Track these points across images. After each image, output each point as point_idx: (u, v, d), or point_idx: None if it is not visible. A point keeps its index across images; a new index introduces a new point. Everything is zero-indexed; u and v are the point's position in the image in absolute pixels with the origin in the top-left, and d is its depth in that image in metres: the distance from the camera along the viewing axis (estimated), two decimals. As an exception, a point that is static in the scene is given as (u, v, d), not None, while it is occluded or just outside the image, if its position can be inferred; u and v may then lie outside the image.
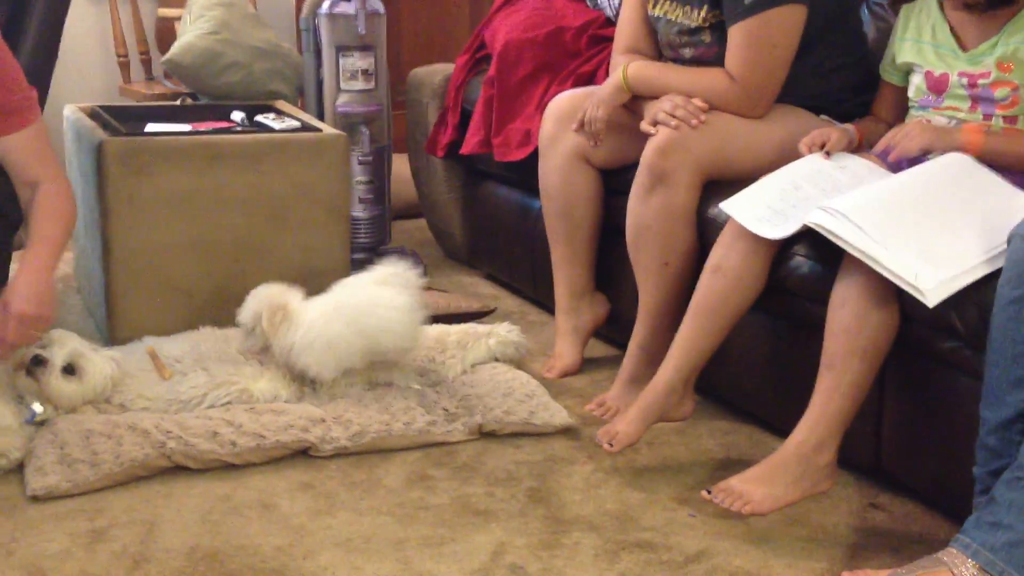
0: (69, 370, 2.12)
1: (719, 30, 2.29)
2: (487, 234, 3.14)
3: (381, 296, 2.28)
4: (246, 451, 2.04)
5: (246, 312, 2.34)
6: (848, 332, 1.82)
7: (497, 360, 2.47)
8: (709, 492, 1.89)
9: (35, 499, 1.89)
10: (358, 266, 3.00)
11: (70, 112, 2.85)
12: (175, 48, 3.10)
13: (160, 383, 2.24)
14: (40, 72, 2.33)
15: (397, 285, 2.31)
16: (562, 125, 2.50)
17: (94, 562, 1.73)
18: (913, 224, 1.82)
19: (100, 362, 2.17)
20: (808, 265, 2.01)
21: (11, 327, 2.01)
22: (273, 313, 2.29)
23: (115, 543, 1.79)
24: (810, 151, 2.14)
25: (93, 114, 2.79)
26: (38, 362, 2.09)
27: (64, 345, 2.14)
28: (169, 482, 1.98)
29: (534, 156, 2.63)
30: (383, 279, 2.33)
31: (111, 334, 2.53)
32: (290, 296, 2.34)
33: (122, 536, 1.81)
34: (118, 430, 2.02)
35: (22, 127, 2.14)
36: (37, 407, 2.09)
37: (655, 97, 2.31)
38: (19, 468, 1.99)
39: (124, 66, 3.59)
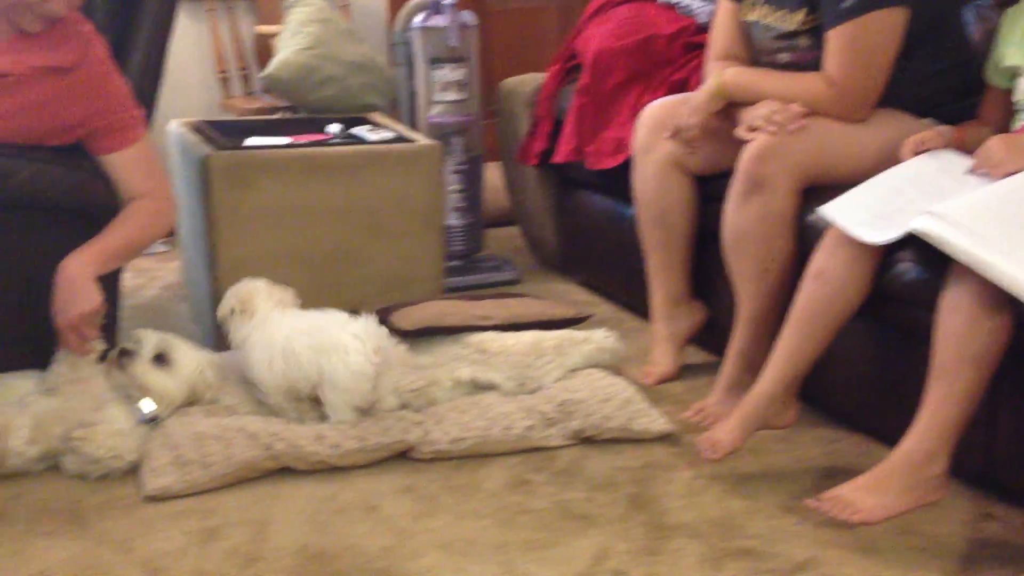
0: (160, 360, 2.18)
1: (816, 34, 2.27)
2: (580, 241, 3.15)
3: (347, 346, 2.18)
4: (349, 453, 2.08)
5: (222, 306, 2.37)
6: (959, 339, 1.79)
7: (594, 366, 2.48)
8: (816, 501, 1.87)
9: (151, 499, 1.96)
10: (453, 273, 3.05)
11: (175, 128, 2.95)
12: (273, 64, 3.18)
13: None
14: (147, 90, 2.40)
15: (366, 343, 2.20)
16: (655, 133, 2.50)
17: (208, 560, 1.78)
18: (1021, 231, 1.78)
19: (190, 351, 2.23)
20: (914, 270, 1.98)
21: (72, 336, 2.08)
22: (239, 302, 2.32)
23: (227, 541, 1.84)
24: (912, 156, 2.10)
25: (197, 129, 2.87)
26: (125, 354, 2.15)
27: (151, 337, 2.20)
28: (277, 483, 2.03)
29: (627, 164, 2.64)
30: (357, 332, 2.22)
31: (218, 341, 2.60)
32: (262, 293, 2.35)
33: (234, 535, 1.86)
34: (228, 432, 2.08)
35: (129, 144, 2.22)
36: (145, 405, 2.14)
37: (751, 103, 2.30)
38: (134, 469, 2.06)
39: (224, 82, 3.69)
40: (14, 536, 1.85)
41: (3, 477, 2.02)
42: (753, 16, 2.38)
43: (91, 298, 2.09)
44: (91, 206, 2.20)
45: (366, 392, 2.15)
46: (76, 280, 2.09)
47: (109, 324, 2.41)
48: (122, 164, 2.21)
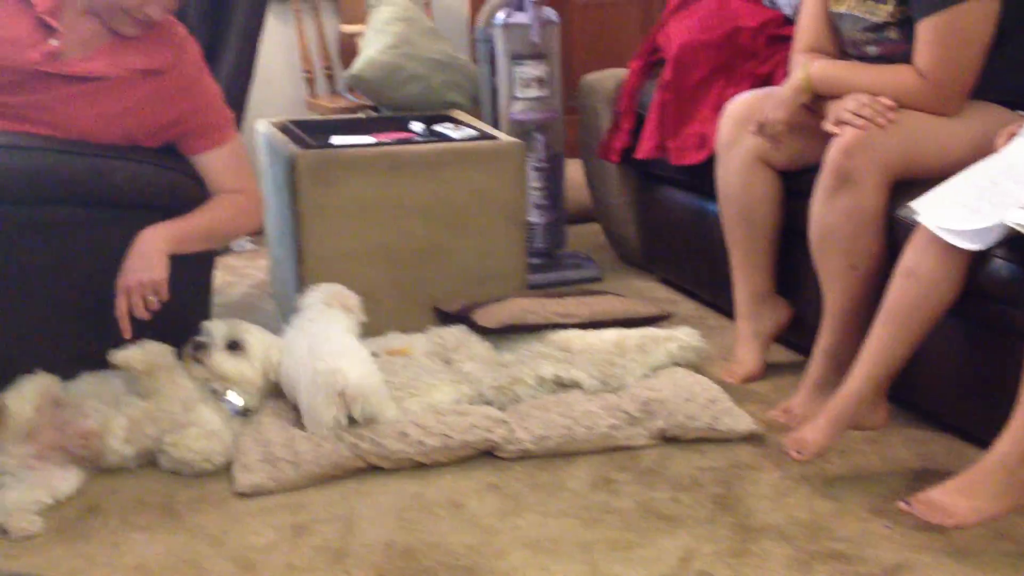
0: (233, 347, 2.22)
1: (906, 26, 2.23)
2: (662, 238, 3.13)
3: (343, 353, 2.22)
4: (434, 451, 2.10)
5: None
6: (1056, 338, 1.74)
7: (677, 365, 2.46)
8: (907, 503, 1.83)
9: (242, 495, 2.00)
10: (534, 271, 3.06)
11: (263, 127, 3.00)
12: (358, 63, 3.22)
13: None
14: (238, 91, 2.45)
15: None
16: (740, 128, 2.47)
17: (298, 555, 1.81)
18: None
19: (262, 334, 2.27)
20: (1009, 268, 1.93)
21: (124, 300, 2.10)
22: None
23: (317, 537, 1.87)
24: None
25: (284, 128, 2.92)
26: (199, 346, 2.20)
27: (220, 326, 2.24)
28: (364, 480, 2.06)
29: (710, 159, 2.62)
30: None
31: (304, 338, 2.64)
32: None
33: (323, 531, 1.89)
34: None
35: (220, 144, 2.27)
36: (233, 397, 2.19)
37: (838, 97, 2.26)
38: (226, 465, 2.10)
39: (310, 81, 3.75)
40: (111, 529, 1.91)
41: (100, 472, 2.08)
42: (842, 7, 2.34)
43: (155, 269, 2.12)
44: (184, 205, 2.25)
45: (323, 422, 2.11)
46: (146, 249, 2.14)
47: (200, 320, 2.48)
48: (213, 164, 2.27)
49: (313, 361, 2.15)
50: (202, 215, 2.24)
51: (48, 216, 2.08)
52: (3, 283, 2.05)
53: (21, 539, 1.86)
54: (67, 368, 2.15)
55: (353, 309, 2.44)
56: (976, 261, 1.96)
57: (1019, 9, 2.17)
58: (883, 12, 2.25)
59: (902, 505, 1.84)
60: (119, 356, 2.10)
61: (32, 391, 2.04)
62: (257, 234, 3.16)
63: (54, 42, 2.12)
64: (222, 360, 2.20)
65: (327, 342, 2.23)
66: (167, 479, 2.07)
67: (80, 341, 2.19)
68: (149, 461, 2.12)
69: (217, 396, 2.19)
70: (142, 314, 2.13)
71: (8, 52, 2.09)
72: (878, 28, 2.27)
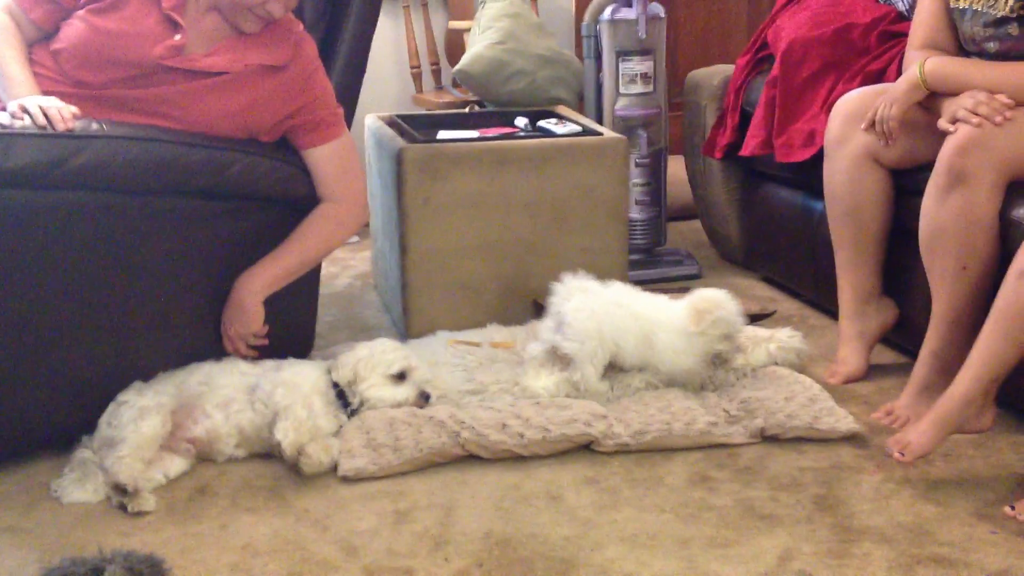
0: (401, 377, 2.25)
1: (1026, 22, 2.17)
2: (765, 236, 3.10)
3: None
4: (533, 443, 2.13)
5: None
6: None
7: (777, 364, 2.44)
8: (1013, 508, 1.79)
9: (345, 480, 2.05)
10: (635, 267, 3.06)
11: (371, 121, 3.07)
12: (465, 58, 3.26)
13: (452, 376, 2.36)
14: (350, 87, 2.51)
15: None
16: (850, 125, 2.43)
17: (399, 541, 1.86)
18: None
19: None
20: None
21: (229, 345, 2.30)
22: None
23: (417, 524, 1.91)
24: None
25: (391, 123, 2.98)
26: (427, 398, 2.25)
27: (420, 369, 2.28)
28: (464, 469, 2.10)
29: (817, 157, 2.58)
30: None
31: (407, 329, 2.70)
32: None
33: (423, 518, 1.93)
34: (417, 419, 2.16)
35: (329, 140, 2.32)
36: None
37: (954, 94, 2.21)
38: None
39: (416, 76, 3.81)
40: (221, 510, 1.98)
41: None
42: (963, 3, 2.29)
43: (252, 321, 2.29)
44: (298, 197, 2.32)
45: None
46: (245, 301, 2.27)
47: (309, 311, 2.55)
48: (321, 160, 2.32)
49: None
50: (294, 249, 2.31)
51: (167, 206, 2.15)
52: (126, 272, 2.13)
53: (135, 516, 1.94)
54: (187, 356, 2.23)
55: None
56: (1094, 264, 1.91)
57: None
58: (1004, 6, 2.19)
59: (1008, 510, 1.80)
60: None
61: (155, 411, 2.07)
62: (364, 226, 3.22)
63: (178, 37, 2.20)
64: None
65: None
66: (274, 463, 2.13)
67: (198, 330, 2.28)
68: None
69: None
70: (247, 354, 2.30)
71: (134, 46, 2.18)
72: (999, 23, 2.21)
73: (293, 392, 2.12)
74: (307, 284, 2.45)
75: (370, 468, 2.06)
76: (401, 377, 2.23)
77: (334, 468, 2.06)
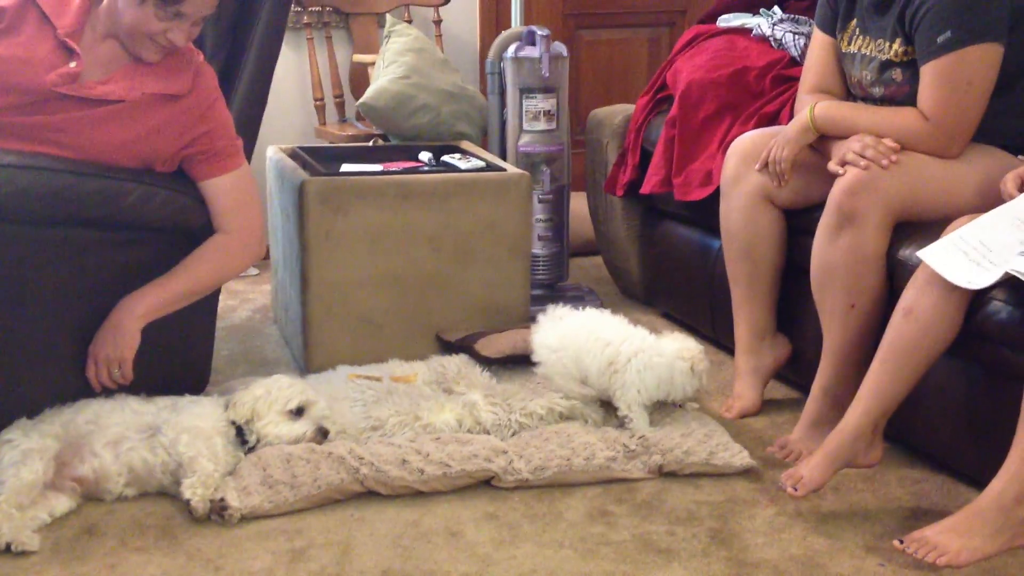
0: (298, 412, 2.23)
1: (911, 68, 2.26)
2: (664, 273, 3.15)
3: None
4: (433, 479, 2.12)
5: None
6: (1052, 381, 1.75)
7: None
8: (901, 542, 1.84)
9: (240, 518, 2.01)
10: (536, 302, 3.08)
11: (273, 153, 3.03)
12: (369, 92, 3.26)
13: (352, 411, 2.33)
14: (251, 118, 2.48)
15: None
16: (745, 165, 2.50)
17: (294, 580, 1.82)
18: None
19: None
20: (1007, 310, 1.94)
21: (92, 367, 2.18)
22: None
23: (313, 563, 1.88)
24: (1019, 192, 2.06)
25: (293, 155, 2.96)
26: (326, 435, 2.21)
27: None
28: (362, 506, 2.07)
29: (714, 196, 2.64)
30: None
31: (307, 363, 2.67)
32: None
33: (320, 556, 1.90)
34: (315, 455, 2.13)
35: (227, 172, 2.28)
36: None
37: (843, 137, 2.29)
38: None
39: (320, 109, 3.79)
40: (109, 550, 1.91)
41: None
42: (853, 47, 2.37)
43: (125, 346, 2.19)
44: (193, 228, 2.28)
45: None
46: (124, 322, 2.19)
47: (205, 345, 2.50)
48: (218, 191, 2.28)
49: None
50: (183, 276, 2.24)
51: (58, 236, 2.10)
52: (15, 302, 2.06)
53: (18, 556, 1.87)
54: (75, 389, 2.17)
55: None
56: (975, 302, 1.98)
57: (1021, 57, 2.20)
58: (891, 50, 2.28)
59: (896, 544, 1.85)
60: None
61: (38, 454, 1.99)
62: (262, 259, 3.17)
63: (73, 64, 2.15)
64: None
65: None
66: (164, 501, 2.08)
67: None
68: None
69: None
70: (107, 384, 2.19)
71: (27, 72, 2.12)
72: (885, 68, 2.30)
73: (197, 440, 2.06)
74: (203, 317, 2.41)
75: (265, 506, 2.02)
76: (299, 413, 2.20)
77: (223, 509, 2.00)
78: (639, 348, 2.35)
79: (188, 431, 2.07)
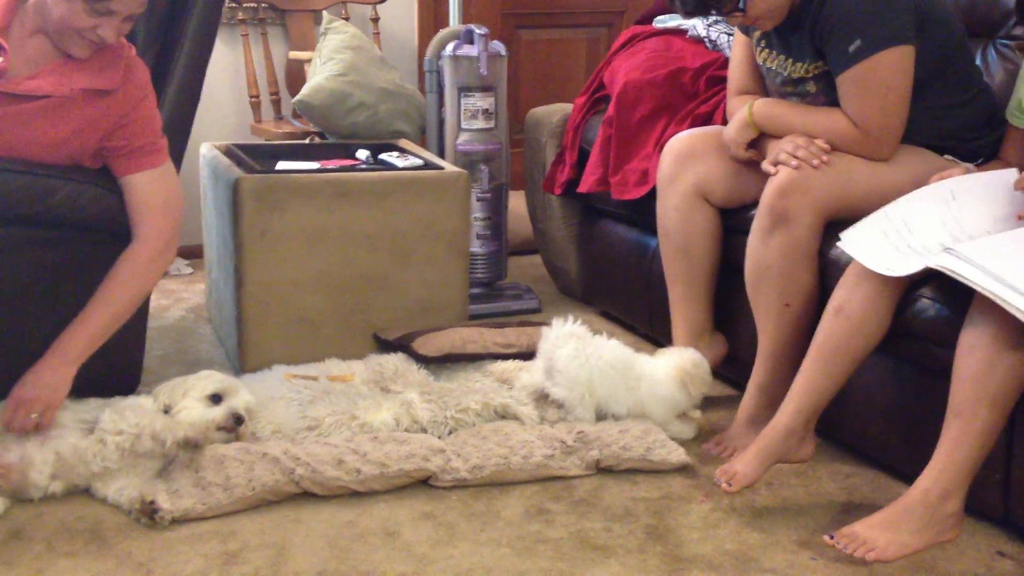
0: (216, 399, 2.21)
1: (824, 79, 2.29)
2: (603, 271, 3.17)
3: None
4: (370, 479, 2.10)
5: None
6: (977, 379, 1.79)
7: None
8: (832, 537, 1.87)
9: (171, 521, 1.98)
10: (475, 301, 3.07)
11: (206, 150, 2.99)
12: (306, 89, 3.23)
13: (287, 410, 2.31)
14: (183, 114, 2.43)
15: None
16: (680, 164, 2.52)
17: (228, 582, 1.80)
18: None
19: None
20: (935, 308, 1.99)
21: (10, 410, 2.05)
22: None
23: (247, 566, 1.86)
24: None
25: (228, 152, 2.92)
26: (240, 421, 2.18)
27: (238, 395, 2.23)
28: (297, 507, 2.05)
29: (651, 195, 2.66)
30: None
31: (242, 363, 2.63)
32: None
33: (254, 559, 1.88)
34: (250, 456, 2.10)
35: (149, 168, 2.22)
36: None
37: (778, 137, 2.32)
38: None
39: (255, 106, 3.74)
40: (36, 555, 1.87)
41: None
42: (760, 59, 2.41)
43: (57, 391, 2.08)
44: (124, 227, 2.23)
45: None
46: (58, 370, 2.08)
47: (136, 346, 2.45)
48: (135, 188, 2.21)
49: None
50: (103, 309, 2.15)
51: (-17, 235, 2.05)
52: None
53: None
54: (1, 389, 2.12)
55: None
56: (904, 300, 2.02)
57: (935, 57, 2.25)
58: (800, 69, 2.32)
59: (827, 538, 1.88)
60: None
61: None
62: (195, 257, 3.12)
63: (0, 60, 2.10)
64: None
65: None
66: (94, 504, 2.04)
67: (14, 363, 2.15)
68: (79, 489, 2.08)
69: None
70: (23, 429, 2.04)
71: (-50, 69, 2.07)
72: (796, 83, 2.34)
73: (140, 412, 2.06)
74: (133, 317, 2.36)
75: (198, 508, 1.99)
76: (217, 400, 2.18)
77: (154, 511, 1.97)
78: (641, 373, 2.38)
79: (131, 408, 2.07)
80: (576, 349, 2.37)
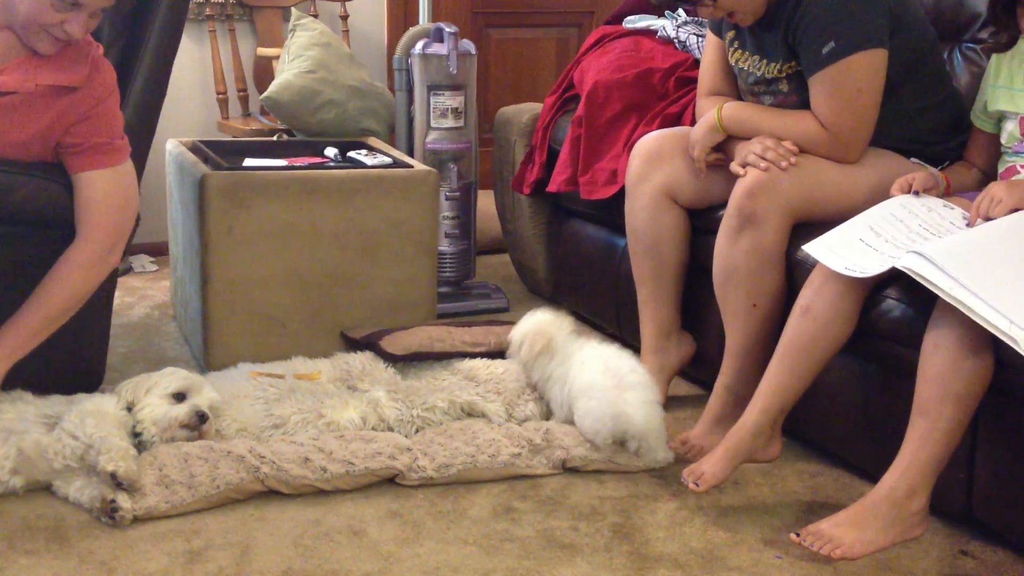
0: (179, 397, 2.18)
1: (796, 79, 2.30)
2: (571, 271, 3.17)
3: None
4: (336, 477, 2.09)
5: (515, 333, 2.45)
6: (941, 378, 1.81)
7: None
8: (798, 535, 1.88)
9: (134, 519, 1.96)
10: (443, 299, 3.07)
11: (172, 147, 2.96)
12: (274, 86, 3.21)
13: (253, 408, 2.29)
14: (149, 109, 2.41)
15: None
16: (649, 164, 2.52)
17: (191, 581, 1.78)
18: (1006, 273, 1.80)
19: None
20: (900, 309, 2.00)
21: None
22: (535, 341, 2.37)
23: (211, 564, 1.84)
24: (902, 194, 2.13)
25: (194, 148, 2.89)
26: (203, 419, 2.16)
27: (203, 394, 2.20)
28: (262, 506, 2.04)
29: (620, 195, 2.66)
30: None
31: (207, 361, 2.61)
32: (557, 328, 2.41)
33: (218, 557, 1.86)
34: (214, 454, 2.08)
35: (105, 167, 2.18)
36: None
37: (747, 138, 2.33)
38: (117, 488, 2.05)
39: (223, 103, 3.71)
40: (-3, 553, 1.85)
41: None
42: (732, 59, 2.42)
43: None
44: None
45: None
46: None
47: (99, 343, 2.42)
48: (88, 185, 2.17)
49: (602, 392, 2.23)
50: (37, 309, 2.12)
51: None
52: None
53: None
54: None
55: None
56: (870, 301, 2.04)
57: (905, 61, 2.26)
58: (773, 69, 2.33)
59: (793, 537, 1.89)
60: None
61: None
62: (160, 254, 3.09)
63: (-38, 56, 2.07)
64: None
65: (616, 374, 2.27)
66: (56, 502, 2.01)
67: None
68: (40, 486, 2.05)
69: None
70: None
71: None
72: (769, 82, 2.35)
73: (104, 422, 2.01)
74: (96, 314, 2.34)
75: (162, 507, 1.97)
76: (181, 398, 2.16)
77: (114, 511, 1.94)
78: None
79: (93, 414, 2.03)
80: (645, 397, 2.24)
